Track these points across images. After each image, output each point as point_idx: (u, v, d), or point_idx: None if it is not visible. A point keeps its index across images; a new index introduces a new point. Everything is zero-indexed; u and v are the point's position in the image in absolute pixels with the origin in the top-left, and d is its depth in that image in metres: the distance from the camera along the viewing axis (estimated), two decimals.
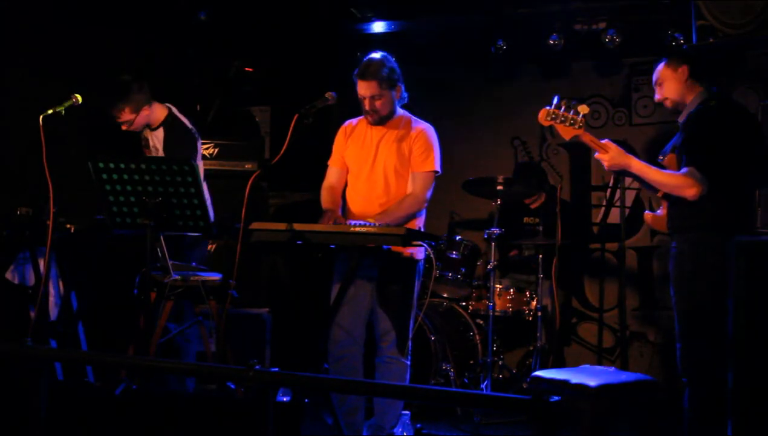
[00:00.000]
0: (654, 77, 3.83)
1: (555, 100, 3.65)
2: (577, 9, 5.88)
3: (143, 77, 4.52)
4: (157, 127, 4.57)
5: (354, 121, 4.13)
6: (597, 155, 3.70)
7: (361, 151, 4.03)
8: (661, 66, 3.79)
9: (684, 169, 3.56)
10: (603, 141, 3.68)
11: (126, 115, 4.43)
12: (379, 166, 3.98)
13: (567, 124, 3.63)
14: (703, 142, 3.59)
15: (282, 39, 6.36)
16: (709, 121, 3.61)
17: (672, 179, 3.60)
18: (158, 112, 4.55)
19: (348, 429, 3.91)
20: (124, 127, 4.52)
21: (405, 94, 4.01)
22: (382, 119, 3.97)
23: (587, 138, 3.64)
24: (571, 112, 3.61)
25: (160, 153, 4.53)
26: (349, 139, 4.09)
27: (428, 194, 3.98)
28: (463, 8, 6.00)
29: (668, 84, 3.77)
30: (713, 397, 3.49)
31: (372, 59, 3.93)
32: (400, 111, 4.05)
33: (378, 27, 6.30)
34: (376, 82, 3.86)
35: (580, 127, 3.61)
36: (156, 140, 4.58)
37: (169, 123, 4.56)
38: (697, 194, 3.53)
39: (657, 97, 3.82)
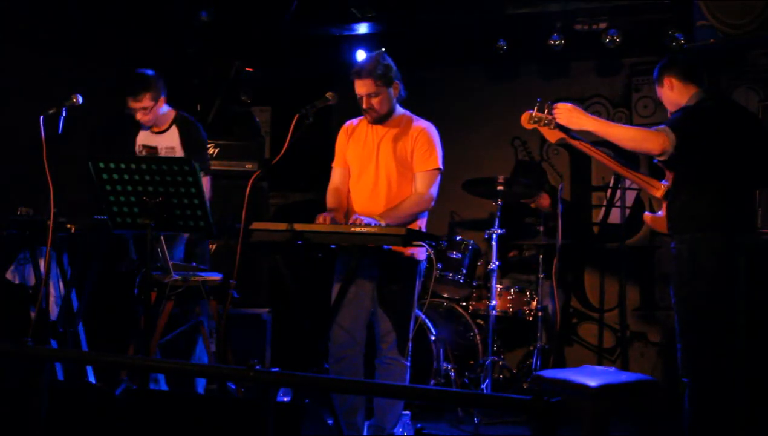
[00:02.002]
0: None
1: (537, 103, 3.63)
2: (577, 9, 5.87)
3: (162, 75, 4.64)
4: (168, 128, 4.62)
5: (355, 121, 4.12)
6: (555, 112, 3.61)
7: (363, 152, 4.03)
8: (656, 88, 3.81)
9: (656, 127, 3.53)
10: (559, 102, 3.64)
11: (146, 102, 4.49)
12: (381, 166, 3.97)
13: (552, 127, 3.62)
14: (682, 119, 3.57)
15: (282, 39, 6.36)
16: (695, 115, 3.60)
17: (637, 132, 3.54)
18: (168, 111, 4.64)
19: (348, 429, 3.90)
20: (139, 116, 4.55)
21: (403, 92, 4.01)
22: (380, 117, 3.96)
23: (573, 140, 3.63)
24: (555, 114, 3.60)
25: (177, 152, 4.58)
26: (351, 139, 4.09)
27: (434, 192, 3.96)
28: (464, 8, 5.99)
29: (665, 99, 3.79)
30: (714, 397, 3.49)
31: (367, 58, 3.95)
32: (400, 110, 4.04)
33: (378, 27, 6.30)
34: (371, 80, 3.87)
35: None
36: (169, 140, 4.60)
37: (182, 120, 4.64)
38: (662, 148, 3.44)
39: (669, 115, 3.82)
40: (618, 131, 3.53)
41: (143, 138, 4.67)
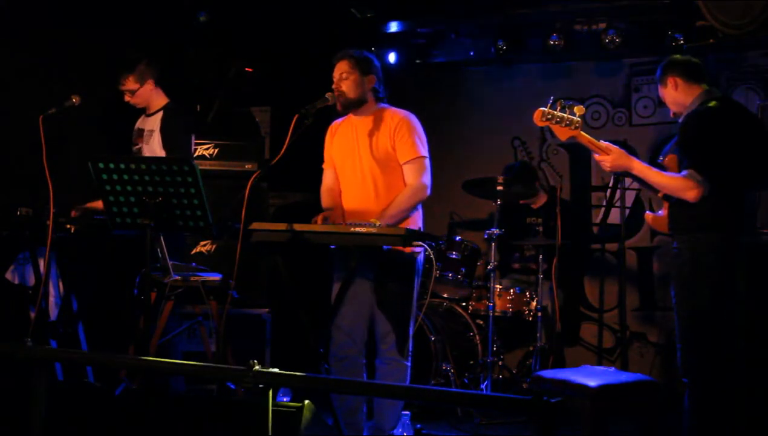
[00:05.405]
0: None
1: (550, 101, 3.64)
2: (577, 9, 5.88)
3: (154, 61, 4.67)
4: (156, 112, 4.64)
5: (339, 120, 4.12)
6: (597, 157, 3.70)
7: (345, 149, 4.02)
8: (658, 88, 3.84)
9: (684, 172, 3.56)
10: (603, 143, 3.67)
11: (130, 84, 4.57)
12: (364, 161, 3.95)
13: (563, 124, 3.62)
14: (700, 143, 3.59)
15: (282, 39, 6.35)
16: (705, 122, 3.61)
17: (672, 182, 3.60)
18: (161, 96, 4.67)
19: (348, 430, 3.90)
20: (127, 98, 4.61)
21: (381, 89, 3.99)
22: (348, 103, 3.93)
23: (584, 139, 3.63)
24: (567, 112, 3.60)
25: (155, 136, 4.58)
26: (335, 138, 4.10)
27: (426, 181, 3.92)
28: (464, 8, 5.99)
29: (668, 99, 3.81)
30: (713, 397, 3.49)
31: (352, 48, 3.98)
32: (380, 104, 4.03)
33: (377, 27, 6.29)
34: (346, 60, 3.91)
35: (576, 127, 3.58)
36: (152, 124, 4.63)
37: (171, 109, 4.66)
38: (698, 196, 3.53)
39: (671, 114, 3.86)
40: (658, 178, 3.62)
41: (139, 122, 4.75)
